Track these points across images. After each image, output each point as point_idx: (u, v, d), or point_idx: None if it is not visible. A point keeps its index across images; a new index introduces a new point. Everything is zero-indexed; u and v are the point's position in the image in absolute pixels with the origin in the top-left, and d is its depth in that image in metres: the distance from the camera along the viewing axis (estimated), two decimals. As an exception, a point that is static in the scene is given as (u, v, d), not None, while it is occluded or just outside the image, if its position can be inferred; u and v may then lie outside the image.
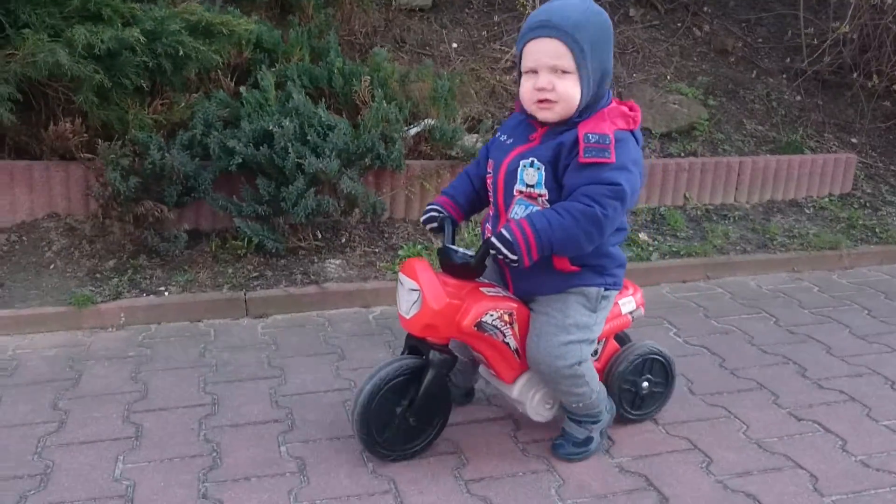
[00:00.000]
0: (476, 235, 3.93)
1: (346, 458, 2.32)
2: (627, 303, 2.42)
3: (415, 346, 2.24)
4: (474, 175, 2.33)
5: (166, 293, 3.41)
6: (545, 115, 2.04)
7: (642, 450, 2.42)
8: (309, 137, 3.59)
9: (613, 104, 2.07)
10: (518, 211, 2.10)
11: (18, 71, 3.33)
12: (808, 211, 4.76)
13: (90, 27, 3.33)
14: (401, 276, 2.18)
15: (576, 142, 1.97)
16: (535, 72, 2.02)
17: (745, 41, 6.42)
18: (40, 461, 2.30)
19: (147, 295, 3.39)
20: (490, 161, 2.20)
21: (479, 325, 2.11)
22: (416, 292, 2.10)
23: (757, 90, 5.90)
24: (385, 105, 3.80)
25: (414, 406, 2.21)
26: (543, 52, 1.98)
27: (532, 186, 2.06)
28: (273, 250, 3.64)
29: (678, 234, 4.30)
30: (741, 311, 3.59)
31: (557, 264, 2.09)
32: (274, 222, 3.66)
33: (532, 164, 2.04)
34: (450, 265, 2.13)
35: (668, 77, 5.76)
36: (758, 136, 5.40)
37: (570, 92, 1.99)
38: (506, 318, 2.15)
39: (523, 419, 2.48)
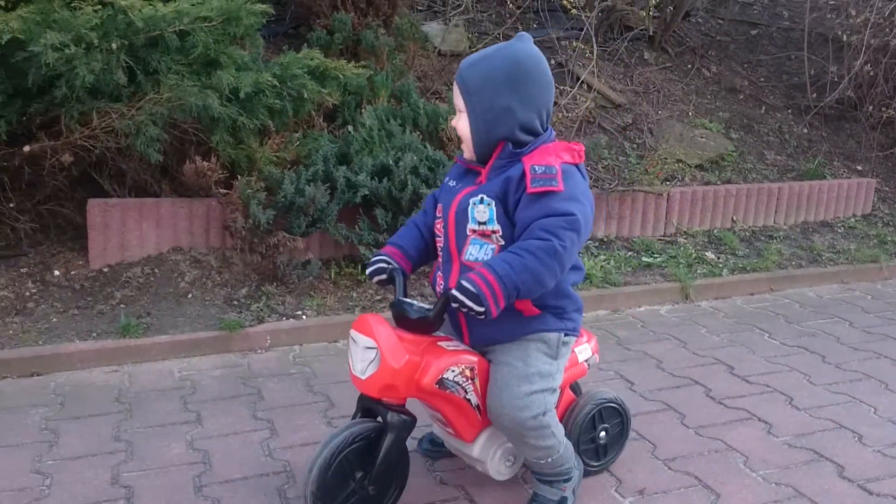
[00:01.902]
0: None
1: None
2: (583, 350, 2.34)
3: (368, 408, 2.09)
4: (422, 224, 2.27)
5: (304, 317, 3.65)
6: (463, 152, 2.13)
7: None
8: (420, 171, 3.91)
9: (556, 141, 2.07)
10: (472, 251, 2.05)
11: (165, 114, 3.58)
12: (839, 230, 5.25)
13: (231, 73, 3.60)
14: (353, 333, 2.04)
15: (522, 175, 1.95)
16: None
17: (749, 80, 6.99)
18: (273, 460, 2.53)
19: (287, 319, 3.63)
20: (439, 206, 2.17)
21: (441, 383, 2.01)
22: (372, 350, 1.98)
23: (769, 124, 6.44)
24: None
25: (373, 473, 2.06)
26: (453, 94, 2.09)
27: (484, 224, 2.02)
28: (391, 275, 3.92)
29: (736, 252, 4.72)
30: (816, 317, 3.99)
31: (518, 305, 2.02)
32: (391, 249, 3.94)
33: (482, 201, 2.01)
34: (405, 320, 2.03)
35: (690, 113, 6.25)
36: (779, 165, 5.90)
37: (461, 129, 2.06)
38: (467, 372, 2.05)
39: (479, 483, 2.39)
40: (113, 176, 3.95)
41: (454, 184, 2.14)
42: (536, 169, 1.94)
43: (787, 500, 2.34)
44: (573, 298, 2.14)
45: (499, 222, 2.00)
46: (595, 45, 5.56)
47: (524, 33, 2.07)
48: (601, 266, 4.26)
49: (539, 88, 2.02)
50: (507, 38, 6.14)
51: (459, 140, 2.14)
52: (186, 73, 3.76)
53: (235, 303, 3.71)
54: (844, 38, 5.81)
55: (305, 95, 3.86)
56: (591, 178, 4.87)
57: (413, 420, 2.08)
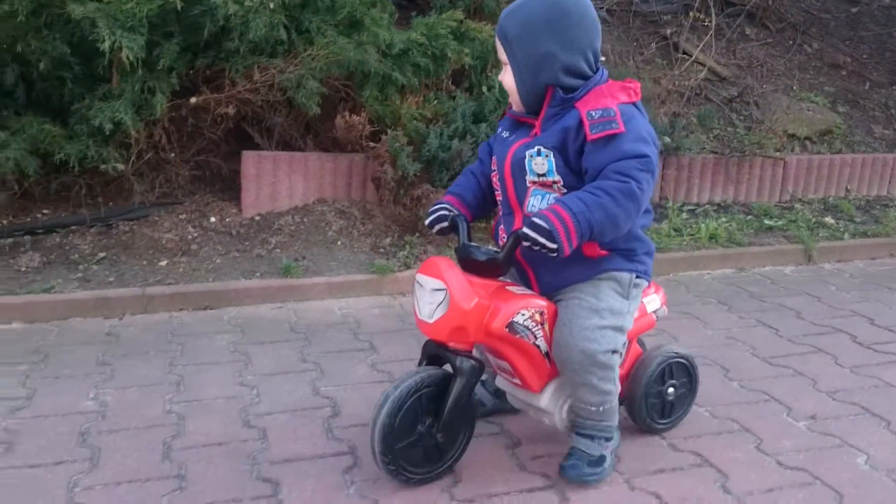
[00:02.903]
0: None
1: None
2: (652, 301, 2.26)
3: (435, 355, 2.02)
4: (479, 173, 2.20)
5: (446, 264, 3.83)
6: (512, 105, 2.08)
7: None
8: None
9: (610, 81, 2.00)
10: (535, 202, 1.99)
11: (324, 69, 3.79)
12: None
13: (386, 31, 3.79)
14: (420, 277, 1.98)
15: (580, 123, 1.89)
16: None
17: (852, 56, 6.97)
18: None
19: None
20: (493, 158, 2.12)
21: (511, 327, 1.94)
22: (440, 292, 1.91)
23: (874, 99, 6.43)
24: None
25: (441, 421, 1.98)
26: (497, 47, 2.03)
27: (543, 175, 1.96)
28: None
29: (854, 219, 4.77)
30: (944, 280, 4.05)
31: (587, 250, 1.97)
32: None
33: (539, 153, 1.94)
34: (473, 263, 1.97)
35: (795, 87, 6.28)
36: (887, 139, 5.90)
37: (507, 82, 2.00)
38: (537, 317, 1.98)
39: (522, 433, 2.35)
40: (262, 131, 4.17)
41: (507, 135, 2.08)
42: (593, 114, 1.87)
43: (958, 428, 2.44)
44: (644, 241, 2.07)
45: (558, 173, 1.93)
46: (713, 18, 5.64)
47: None
48: (724, 227, 4.35)
49: (581, 30, 1.93)
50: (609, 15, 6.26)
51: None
52: (334, 32, 3.96)
53: (381, 250, 3.91)
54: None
55: (448, 54, 4.03)
56: (705, 147, 4.96)
57: (482, 366, 2.00)
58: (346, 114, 3.98)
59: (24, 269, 3.56)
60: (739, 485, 2.10)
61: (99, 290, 3.39)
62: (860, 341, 3.17)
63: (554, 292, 2.05)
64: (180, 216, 4.00)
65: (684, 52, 6.24)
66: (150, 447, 2.26)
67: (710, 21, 5.65)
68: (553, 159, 1.93)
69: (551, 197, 1.96)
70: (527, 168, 1.98)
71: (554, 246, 1.80)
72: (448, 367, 2.01)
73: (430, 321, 1.94)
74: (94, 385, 2.66)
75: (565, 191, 1.94)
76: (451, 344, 1.96)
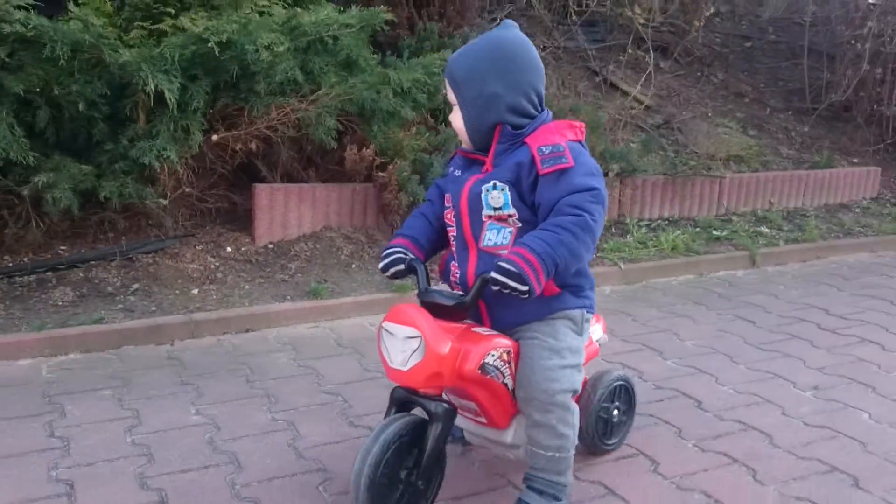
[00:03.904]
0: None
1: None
2: (595, 330, 2.37)
3: (404, 401, 2.04)
4: (431, 214, 2.23)
5: (455, 281, 4.22)
6: (462, 144, 2.16)
7: None
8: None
9: (557, 121, 2.09)
10: (490, 236, 2.05)
11: (337, 106, 4.12)
12: (856, 210, 6.08)
13: (406, 72, 4.17)
14: (388, 325, 1.97)
15: (531, 158, 1.97)
16: None
17: (751, 86, 7.84)
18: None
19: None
20: (448, 195, 2.15)
21: (482, 368, 1.97)
22: (414, 339, 1.90)
23: (775, 124, 7.28)
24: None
25: (421, 467, 1.99)
26: (446, 89, 2.11)
27: (499, 209, 2.02)
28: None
29: (783, 228, 5.48)
30: (867, 276, 4.77)
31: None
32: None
33: (495, 187, 2.00)
34: (437, 308, 1.98)
35: (709, 114, 7.05)
36: (792, 158, 6.72)
37: (456, 122, 2.08)
38: (505, 356, 2.02)
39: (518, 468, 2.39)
40: (269, 164, 4.44)
41: (459, 173, 2.14)
42: (544, 150, 1.96)
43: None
44: (589, 276, 2.15)
45: (514, 206, 2.00)
46: (652, 56, 6.32)
47: (509, 21, 2.12)
48: (681, 239, 4.94)
49: (525, 72, 2.02)
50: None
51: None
52: (334, 72, 4.31)
53: (394, 271, 4.25)
54: (858, 45, 6.66)
55: (442, 91, 4.43)
56: (652, 167, 5.56)
57: (455, 409, 2.04)
58: (354, 147, 4.31)
59: (60, 303, 3.69)
60: (779, 440, 2.59)
61: (146, 318, 3.58)
62: (825, 328, 3.78)
63: (507, 329, 2.08)
64: (197, 247, 4.20)
65: (611, 84, 6.91)
66: (278, 447, 2.54)
67: (624, 55, 6.31)
68: (508, 193, 1.99)
69: (507, 231, 2.03)
70: (483, 202, 2.03)
71: (525, 288, 1.86)
72: (417, 413, 2.03)
73: (405, 369, 1.93)
74: (190, 402, 2.89)
75: (520, 224, 2.02)
76: (424, 390, 1.98)
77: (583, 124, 2.11)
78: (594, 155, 2.18)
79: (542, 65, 2.08)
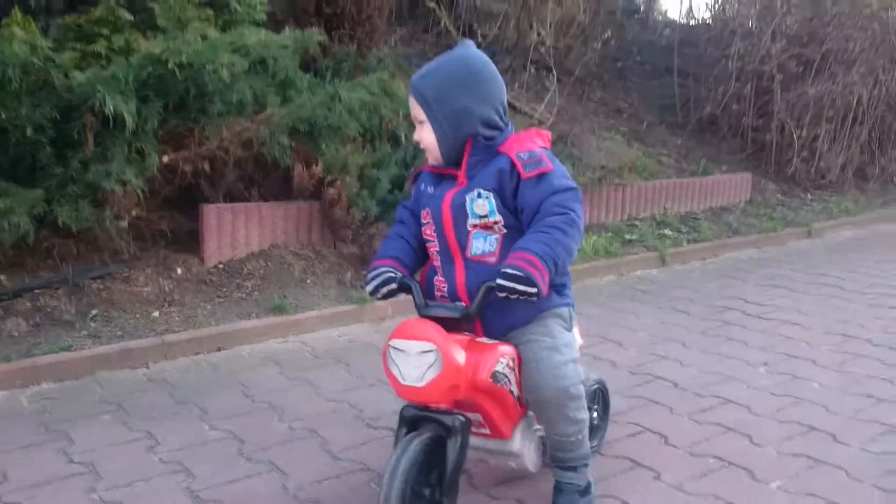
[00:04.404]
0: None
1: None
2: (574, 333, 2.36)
3: (414, 420, 2.01)
4: (408, 235, 2.24)
5: (408, 291, 4.36)
6: (428, 160, 2.19)
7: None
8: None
9: (524, 130, 2.18)
10: (478, 245, 2.09)
11: (290, 125, 4.19)
12: (737, 212, 6.73)
13: (349, 91, 4.29)
14: (398, 342, 1.94)
15: (511, 165, 2.03)
16: None
17: (627, 102, 8.48)
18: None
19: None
20: (426, 211, 2.17)
21: (494, 377, 1.99)
22: (430, 354, 1.89)
23: (653, 136, 7.91)
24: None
25: (445, 484, 1.97)
26: (410, 108, 2.16)
27: (485, 217, 2.07)
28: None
29: (681, 230, 6.01)
30: (764, 268, 5.33)
31: None
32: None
33: (479, 196, 2.06)
34: (443, 321, 1.98)
35: (596, 129, 7.57)
36: (674, 167, 7.34)
37: (427, 139, 2.11)
38: (510, 363, 2.06)
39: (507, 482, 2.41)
40: (214, 185, 4.43)
41: (432, 190, 2.18)
42: (522, 156, 2.04)
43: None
44: (569, 275, 2.22)
45: (499, 213, 2.06)
46: (555, 74, 6.73)
47: (467, 40, 2.20)
48: (601, 243, 5.32)
49: (491, 86, 2.10)
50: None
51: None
52: (273, 92, 4.38)
53: (348, 284, 4.35)
54: (729, 64, 7.37)
55: (382, 110, 4.59)
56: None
57: (469, 421, 2.03)
58: (300, 165, 4.38)
59: (16, 333, 3.55)
60: (757, 410, 2.95)
61: (115, 343, 3.51)
62: (749, 314, 4.23)
63: (500, 335, 2.12)
64: (146, 271, 4.12)
65: (509, 104, 7.28)
66: (311, 452, 2.62)
67: (524, 76, 6.71)
68: (493, 200, 2.05)
69: (493, 238, 2.09)
70: (468, 211, 2.08)
71: (534, 290, 1.90)
72: (424, 430, 1.98)
73: (421, 384, 1.91)
74: (199, 420, 2.90)
75: (505, 231, 2.08)
76: (435, 405, 1.97)
77: (549, 133, 2.21)
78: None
79: (501, 79, 2.15)
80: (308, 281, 4.32)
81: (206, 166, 4.07)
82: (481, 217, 2.08)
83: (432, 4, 6.53)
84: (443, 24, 6.80)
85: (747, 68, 7.27)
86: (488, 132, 2.09)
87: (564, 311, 2.18)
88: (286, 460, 2.57)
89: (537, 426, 2.24)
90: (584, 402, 2.16)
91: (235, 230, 4.35)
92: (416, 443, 1.92)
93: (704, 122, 8.19)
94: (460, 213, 2.09)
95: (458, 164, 2.12)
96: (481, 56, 2.13)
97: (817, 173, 7.60)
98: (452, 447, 1.97)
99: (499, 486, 2.40)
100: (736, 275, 5.16)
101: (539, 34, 6.68)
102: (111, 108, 3.49)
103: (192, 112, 4.01)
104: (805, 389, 3.15)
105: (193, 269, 4.23)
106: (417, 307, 2.07)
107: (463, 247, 2.11)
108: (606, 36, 7.55)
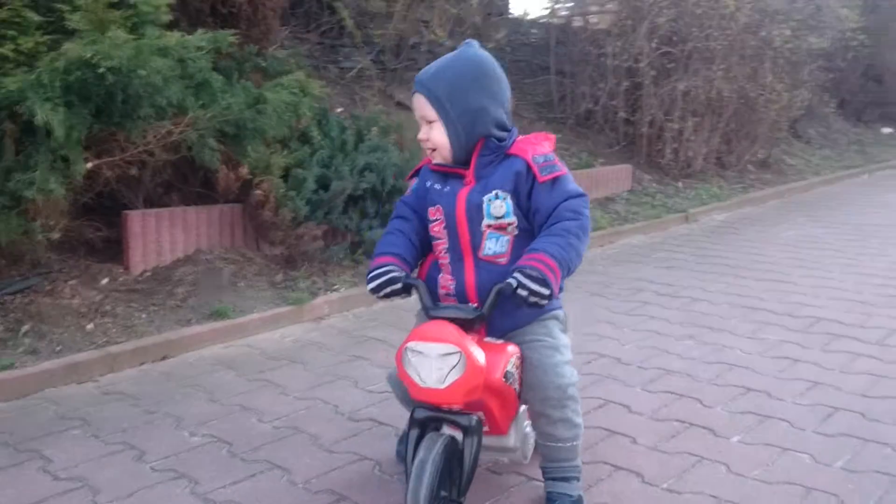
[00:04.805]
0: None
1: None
2: None
3: (425, 422, 2.02)
4: (410, 231, 2.24)
5: (340, 289, 4.43)
6: (434, 159, 2.17)
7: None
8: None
9: (530, 134, 2.23)
10: (490, 245, 2.12)
11: (218, 127, 4.14)
12: (621, 201, 7.19)
13: (272, 93, 4.29)
14: (417, 345, 1.94)
15: (527, 167, 2.07)
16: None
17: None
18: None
19: (329, 292, 4.38)
20: (436, 208, 2.17)
21: (506, 376, 2.04)
22: (453, 356, 1.90)
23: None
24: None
25: (462, 484, 2.01)
26: (416, 107, 2.14)
27: (501, 217, 2.09)
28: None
29: (577, 220, 6.36)
30: (662, 251, 5.76)
31: None
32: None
33: (497, 197, 2.08)
34: (455, 322, 1.98)
35: (483, 125, 7.85)
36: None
37: (438, 139, 2.10)
38: (517, 362, 2.11)
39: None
40: (133, 190, 4.31)
41: (440, 186, 2.18)
42: (538, 159, 2.08)
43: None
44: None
45: (514, 214, 2.10)
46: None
47: (472, 40, 2.20)
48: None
49: (501, 86, 2.14)
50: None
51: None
52: (191, 93, 4.32)
53: (281, 286, 4.36)
54: (606, 62, 7.82)
55: (301, 109, 4.61)
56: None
57: (482, 420, 2.07)
58: (224, 167, 4.34)
59: (-60, 355, 3.35)
60: (698, 377, 3.26)
61: (57, 358, 3.39)
62: (663, 294, 4.59)
63: (502, 335, 2.15)
64: (69, 282, 3.97)
65: (398, 103, 7.43)
66: (310, 448, 2.68)
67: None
68: (510, 202, 2.09)
69: (504, 239, 2.12)
70: (484, 212, 2.10)
71: (547, 292, 1.94)
72: (442, 431, 2.01)
73: (443, 386, 1.91)
74: (176, 427, 2.87)
75: (517, 232, 2.11)
76: (447, 406, 1.98)
77: (554, 136, 2.25)
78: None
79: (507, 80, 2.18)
80: (240, 284, 4.29)
81: (134, 171, 3.96)
82: (497, 218, 2.10)
83: (338, 4, 6.57)
84: (332, 24, 6.84)
85: (623, 66, 7.74)
86: (499, 133, 2.13)
87: (561, 313, 2.25)
88: (282, 457, 2.61)
89: (527, 421, 2.31)
90: (580, 407, 2.20)
91: (160, 236, 4.26)
92: (440, 444, 1.93)
93: (581, 117, 8.65)
94: (476, 212, 2.11)
95: (465, 164, 2.13)
96: (490, 56, 2.15)
97: (685, 163, 8.20)
98: (469, 446, 2.00)
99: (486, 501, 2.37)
100: (635, 259, 5.56)
101: (435, 34, 6.80)
102: (41, 116, 3.35)
103: (116, 116, 3.90)
104: (731, 356, 3.51)
105: (119, 279, 4.11)
106: (426, 308, 2.07)
107: (476, 246, 2.13)
108: (500, 36, 7.76)
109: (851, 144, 11.95)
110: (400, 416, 2.68)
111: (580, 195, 2.09)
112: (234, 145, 4.38)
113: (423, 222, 2.25)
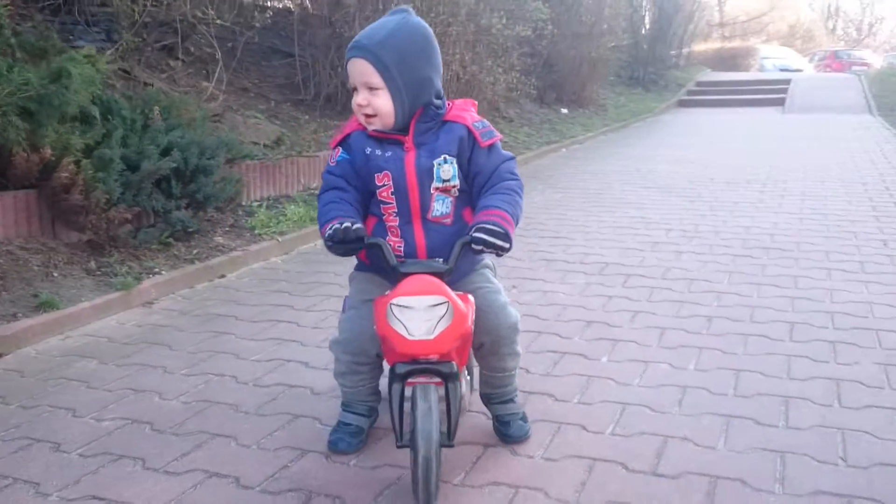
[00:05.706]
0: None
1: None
2: None
3: (405, 375, 2.08)
4: (352, 199, 2.24)
5: (162, 272, 4.28)
6: (371, 125, 2.19)
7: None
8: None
9: (459, 100, 2.33)
10: (438, 207, 2.23)
11: (19, 104, 3.79)
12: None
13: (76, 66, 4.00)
14: (403, 300, 1.99)
15: (469, 133, 2.20)
16: (356, 89, 2.16)
17: (250, 82, 8.73)
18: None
19: (152, 275, 4.21)
20: (384, 174, 2.20)
21: (472, 323, 2.14)
22: (441, 306, 1.98)
23: (285, 112, 8.34)
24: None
25: (451, 429, 2.12)
26: (356, 72, 2.13)
27: (447, 181, 2.20)
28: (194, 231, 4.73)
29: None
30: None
31: None
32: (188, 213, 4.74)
33: (445, 161, 2.19)
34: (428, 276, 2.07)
35: (235, 107, 7.75)
36: (317, 140, 7.87)
37: (383, 107, 2.13)
38: (474, 311, 2.19)
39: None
40: None
41: (380, 152, 2.21)
42: (478, 126, 2.23)
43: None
44: None
45: (458, 178, 2.23)
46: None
47: (406, 6, 2.23)
48: (303, 211, 5.68)
49: (438, 56, 2.22)
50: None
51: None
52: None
53: (99, 272, 4.11)
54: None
55: (96, 85, 4.34)
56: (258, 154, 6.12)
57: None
58: (23, 150, 3.97)
59: None
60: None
61: None
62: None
63: (450, 287, 2.16)
64: None
65: (145, 83, 7.08)
66: (239, 416, 2.71)
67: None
68: (455, 166, 2.21)
69: (448, 201, 2.25)
70: (434, 175, 2.20)
71: (508, 245, 2.10)
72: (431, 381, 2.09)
73: (431, 337, 1.98)
74: (73, 417, 2.72)
75: (458, 194, 2.26)
76: (435, 356, 2.04)
77: (476, 102, 2.36)
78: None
79: None
80: (55, 274, 3.97)
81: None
82: (444, 181, 2.21)
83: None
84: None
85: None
86: (438, 101, 2.23)
87: (489, 261, 2.44)
88: (217, 426, 2.60)
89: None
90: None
91: (-50, 228, 3.80)
92: (433, 392, 2.06)
93: (323, 98, 8.86)
94: (427, 176, 2.20)
95: (402, 131, 2.20)
96: (426, 25, 2.21)
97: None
98: (453, 392, 2.09)
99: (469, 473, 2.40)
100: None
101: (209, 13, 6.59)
102: None
103: None
104: (559, 299, 4.05)
105: None
106: (393, 267, 2.10)
107: (425, 209, 2.23)
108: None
109: (543, 123, 13.47)
110: (311, 379, 2.84)
111: (512, 158, 2.30)
112: (32, 124, 4.03)
113: (360, 191, 2.27)
